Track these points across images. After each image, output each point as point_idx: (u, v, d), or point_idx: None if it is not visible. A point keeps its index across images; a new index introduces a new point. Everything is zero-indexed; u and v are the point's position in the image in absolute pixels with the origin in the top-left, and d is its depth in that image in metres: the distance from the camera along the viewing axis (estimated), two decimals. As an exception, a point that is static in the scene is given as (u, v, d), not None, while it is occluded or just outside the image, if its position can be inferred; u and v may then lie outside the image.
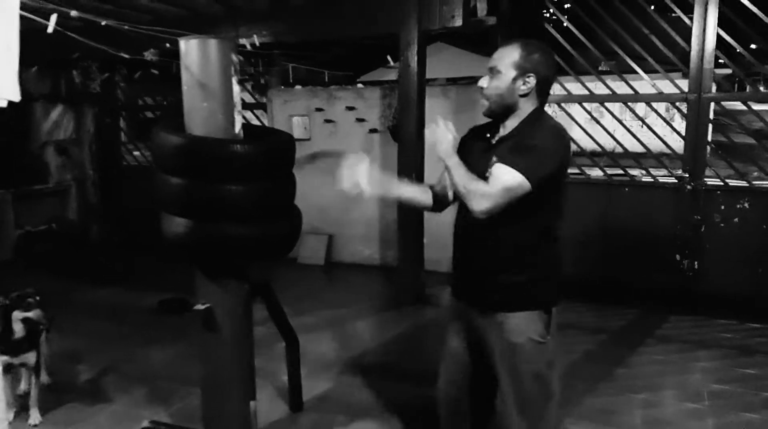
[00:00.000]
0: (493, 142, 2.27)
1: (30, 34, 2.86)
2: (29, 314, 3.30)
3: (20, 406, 3.58)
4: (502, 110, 2.22)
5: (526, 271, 2.25)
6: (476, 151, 2.28)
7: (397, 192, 2.59)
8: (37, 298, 3.35)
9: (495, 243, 2.22)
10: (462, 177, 2.09)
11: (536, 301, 2.28)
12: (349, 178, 2.40)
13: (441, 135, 2.17)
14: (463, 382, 2.52)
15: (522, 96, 2.18)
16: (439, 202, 2.53)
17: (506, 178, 2.03)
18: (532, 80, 2.16)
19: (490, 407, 2.57)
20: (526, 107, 2.21)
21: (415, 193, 2.59)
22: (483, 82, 2.22)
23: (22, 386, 3.73)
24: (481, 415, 2.60)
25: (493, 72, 2.19)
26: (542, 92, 2.22)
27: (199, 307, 2.87)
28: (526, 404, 2.31)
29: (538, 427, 2.33)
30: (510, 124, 2.24)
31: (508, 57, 2.17)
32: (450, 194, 2.46)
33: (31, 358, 3.41)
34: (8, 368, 3.36)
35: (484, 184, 2.07)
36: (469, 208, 2.08)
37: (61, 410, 3.65)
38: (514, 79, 2.16)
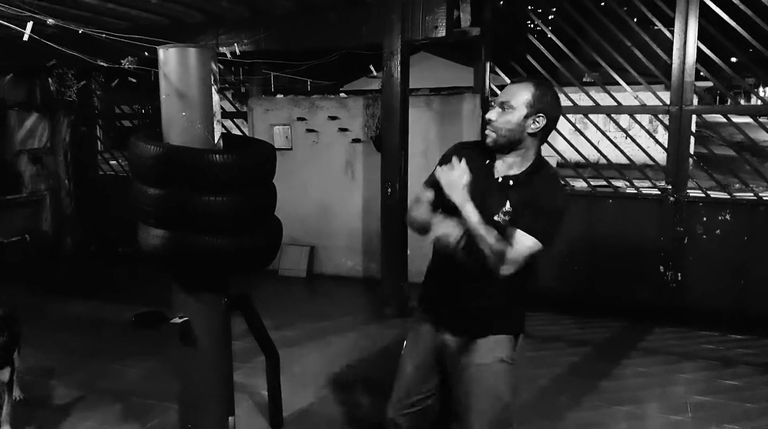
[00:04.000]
0: (498, 177, 2.27)
1: (5, 41, 2.79)
2: None
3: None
4: (507, 144, 2.25)
5: (506, 300, 2.32)
6: (476, 179, 2.20)
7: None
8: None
9: (481, 273, 2.19)
10: (484, 233, 2.10)
11: (511, 327, 2.37)
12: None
13: (456, 178, 2.16)
14: (413, 408, 2.49)
15: (530, 135, 2.23)
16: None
17: (528, 244, 2.13)
18: (541, 120, 2.21)
19: None
20: (531, 146, 2.26)
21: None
22: (492, 115, 2.25)
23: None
24: None
25: (505, 107, 2.22)
26: (546, 134, 2.28)
27: (176, 320, 2.81)
28: (487, 427, 2.32)
29: None
30: (512, 161, 2.27)
31: (523, 95, 2.20)
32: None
33: (4, 374, 3.33)
34: None
35: (509, 249, 2.11)
36: (490, 266, 2.11)
37: (33, 427, 3.54)
38: (526, 117, 2.20)
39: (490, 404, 2.31)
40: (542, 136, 2.26)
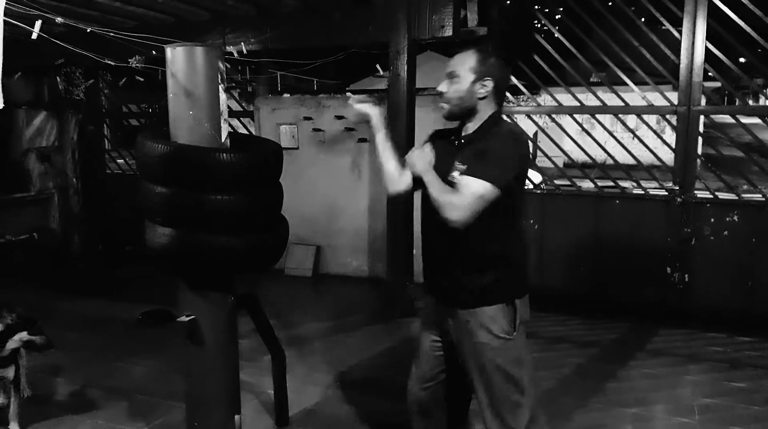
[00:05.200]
0: (457, 143, 2.38)
1: (13, 40, 2.80)
2: (35, 339, 3.28)
3: (-2, 421, 3.48)
4: (462, 113, 2.33)
5: (488, 271, 2.30)
6: (441, 153, 2.37)
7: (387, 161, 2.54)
8: (39, 322, 3.33)
9: (458, 244, 2.27)
10: (437, 189, 2.20)
11: (500, 296, 2.31)
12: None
13: (419, 154, 2.34)
14: (433, 381, 2.56)
15: (480, 99, 2.29)
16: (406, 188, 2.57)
17: (475, 187, 2.14)
18: (489, 84, 2.28)
19: (465, 406, 2.65)
20: (485, 110, 2.31)
21: (396, 170, 2.55)
22: (443, 87, 2.32)
23: (0, 400, 3.63)
24: (457, 414, 2.64)
25: (452, 77, 2.30)
26: (499, 95, 2.34)
27: (183, 319, 2.81)
28: (497, 402, 2.34)
29: (510, 425, 2.34)
30: (471, 127, 2.35)
31: (466, 62, 2.28)
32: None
33: (10, 372, 3.34)
34: None
35: (457, 195, 2.15)
36: (443, 216, 2.16)
37: (40, 424, 3.55)
38: (473, 83, 2.27)
39: (494, 380, 2.32)
40: (496, 99, 2.32)
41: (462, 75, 2.27)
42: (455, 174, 2.22)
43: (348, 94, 7.19)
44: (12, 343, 3.23)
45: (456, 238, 2.23)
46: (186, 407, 3.05)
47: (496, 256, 2.30)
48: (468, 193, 2.13)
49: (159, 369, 4.36)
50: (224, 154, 2.61)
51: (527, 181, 2.31)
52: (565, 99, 6.02)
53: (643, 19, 5.67)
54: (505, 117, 5.99)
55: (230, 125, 2.90)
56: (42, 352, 3.38)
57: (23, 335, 3.24)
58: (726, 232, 5.28)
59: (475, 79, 2.26)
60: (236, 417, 3.04)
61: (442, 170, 2.26)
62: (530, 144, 2.37)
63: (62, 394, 4.01)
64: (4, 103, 2.45)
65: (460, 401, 2.64)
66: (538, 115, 6.38)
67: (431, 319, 2.55)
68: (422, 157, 2.32)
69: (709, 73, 5.34)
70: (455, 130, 2.43)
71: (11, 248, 7.40)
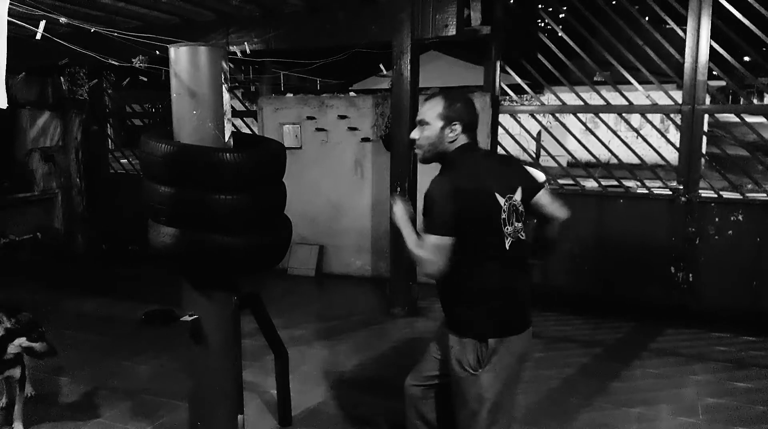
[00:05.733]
0: None
1: (18, 41, 2.80)
2: (34, 345, 3.26)
3: (3, 420, 3.49)
4: (434, 157, 2.42)
5: (459, 305, 2.38)
6: None
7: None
8: (42, 328, 3.32)
9: (445, 279, 2.33)
10: (411, 244, 2.34)
11: (468, 329, 2.34)
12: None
13: (397, 209, 2.51)
14: (426, 382, 2.64)
15: (450, 143, 2.38)
16: None
17: (430, 241, 2.24)
18: (457, 127, 2.36)
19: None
20: (455, 154, 2.39)
21: None
22: (415, 134, 2.42)
23: (3, 399, 3.64)
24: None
25: (422, 124, 2.40)
26: (469, 130, 2.41)
27: (186, 318, 2.81)
28: (459, 425, 2.42)
29: None
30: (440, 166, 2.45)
31: (434, 109, 2.37)
32: None
33: (17, 372, 3.35)
34: None
35: (423, 250, 2.26)
36: (421, 267, 2.29)
37: (44, 423, 3.56)
38: (442, 129, 2.36)
39: (458, 408, 2.40)
40: (467, 134, 2.39)
41: (431, 122, 2.36)
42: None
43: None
44: (12, 348, 3.21)
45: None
46: (189, 406, 3.05)
47: (467, 291, 2.34)
48: (428, 247, 2.24)
49: (163, 368, 4.36)
50: (228, 154, 2.61)
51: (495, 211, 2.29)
52: (569, 98, 6.01)
53: (647, 18, 5.66)
54: (509, 117, 6.02)
55: (233, 125, 2.89)
56: (43, 359, 3.38)
57: (22, 341, 3.22)
58: (730, 232, 5.27)
59: (443, 125, 2.35)
60: (239, 416, 3.04)
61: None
62: (478, 179, 2.35)
63: (66, 393, 4.01)
64: (8, 103, 2.45)
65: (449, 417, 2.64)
66: (541, 115, 6.37)
67: (438, 331, 2.62)
68: (399, 211, 2.48)
69: (714, 72, 5.33)
70: None
71: (15, 248, 7.43)
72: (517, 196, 2.35)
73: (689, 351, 4.79)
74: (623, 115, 5.82)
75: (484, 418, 2.32)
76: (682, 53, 5.28)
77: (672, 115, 5.66)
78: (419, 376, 2.68)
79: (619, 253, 5.61)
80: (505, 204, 2.30)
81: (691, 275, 5.37)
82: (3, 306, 3.28)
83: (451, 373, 2.39)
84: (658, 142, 5.57)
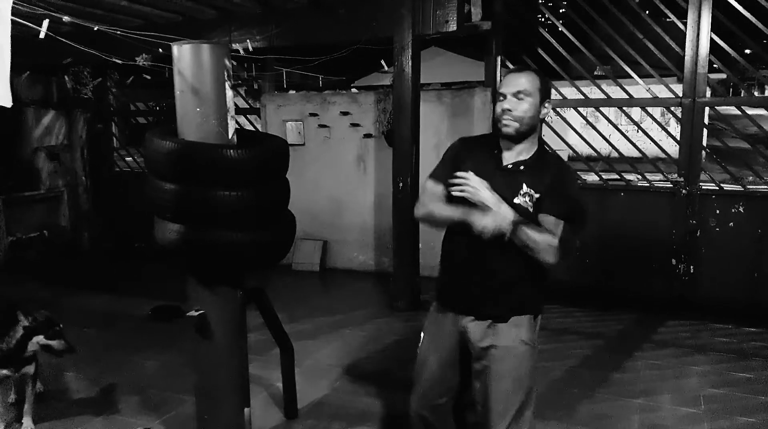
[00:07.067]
0: (507, 164, 2.32)
1: (22, 40, 2.83)
2: (52, 343, 3.29)
3: (13, 416, 3.52)
4: (526, 132, 2.29)
5: (530, 283, 2.37)
6: (488, 168, 2.31)
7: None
8: (60, 326, 3.34)
9: (505, 262, 2.29)
10: (533, 234, 2.17)
11: (531, 308, 2.39)
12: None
13: (478, 186, 2.22)
14: (439, 397, 2.52)
15: (541, 120, 2.32)
16: None
17: (560, 229, 2.22)
18: (549, 106, 2.32)
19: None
20: (538, 131, 2.34)
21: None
22: (511, 104, 2.25)
23: (13, 395, 3.68)
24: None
25: (521, 96, 2.24)
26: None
27: (193, 313, 2.84)
28: (508, 410, 2.33)
29: None
30: (524, 149, 2.32)
31: (534, 82, 2.26)
32: None
33: (31, 369, 3.38)
34: (3, 380, 3.33)
35: (547, 235, 2.18)
36: (538, 255, 2.20)
37: (53, 419, 3.59)
38: (540, 103, 2.27)
39: (513, 387, 2.33)
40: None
41: (532, 94, 2.24)
42: (523, 200, 2.22)
43: None
44: (31, 346, 3.25)
45: (500, 258, 2.28)
46: (196, 400, 3.08)
47: (531, 270, 2.33)
48: (557, 234, 2.20)
49: (170, 363, 4.41)
50: (232, 151, 2.63)
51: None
52: (570, 92, 6.02)
53: (647, 12, 5.67)
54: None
55: (237, 122, 2.92)
56: (62, 357, 3.40)
57: (40, 339, 3.25)
58: (731, 224, 5.28)
59: (541, 100, 2.27)
60: (246, 410, 3.06)
61: (498, 192, 2.20)
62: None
63: (74, 389, 4.05)
64: (13, 102, 2.48)
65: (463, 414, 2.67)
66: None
67: (447, 335, 2.48)
68: (481, 189, 2.21)
69: (714, 65, 5.33)
70: (491, 143, 2.38)
71: (22, 246, 7.48)
72: None
73: (690, 342, 4.82)
74: (624, 108, 5.83)
75: (533, 389, 2.40)
76: (682, 46, 5.29)
77: (673, 108, 5.68)
78: (433, 396, 2.52)
79: (621, 245, 5.63)
80: None
81: (692, 267, 5.39)
82: (20, 304, 3.31)
83: (501, 358, 2.32)
84: (659, 136, 5.58)
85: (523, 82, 2.25)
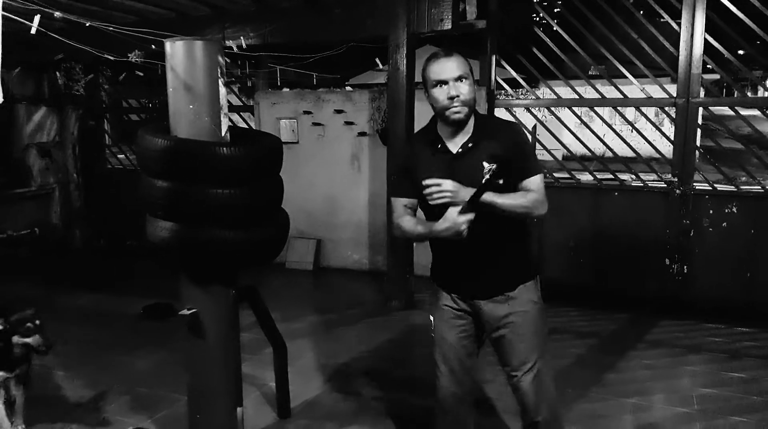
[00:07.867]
0: (458, 150, 2.36)
1: (12, 35, 2.80)
2: (28, 340, 3.23)
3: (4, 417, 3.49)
4: (471, 114, 2.36)
5: (525, 253, 2.56)
6: (443, 163, 2.35)
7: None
8: (37, 322, 3.24)
9: (500, 240, 2.41)
10: (516, 200, 2.30)
11: (532, 272, 2.55)
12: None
13: (451, 188, 2.21)
14: (463, 375, 2.60)
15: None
16: None
17: (541, 183, 2.36)
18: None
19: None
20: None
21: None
22: (461, 89, 2.27)
23: (2, 395, 3.64)
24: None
25: (465, 78, 2.29)
26: None
27: (185, 312, 2.82)
28: (535, 368, 2.49)
29: (549, 387, 2.56)
30: (466, 127, 2.37)
31: (465, 62, 2.32)
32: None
33: (24, 368, 3.34)
34: (4, 383, 3.30)
35: (533, 194, 2.32)
36: (533, 215, 2.36)
37: (44, 419, 3.56)
38: (474, 83, 2.35)
39: (532, 341, 2.49)
40: None
41: (469, 77, 2.30)
42: (490, 173, 2.17)
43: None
44: (16, 348, 3.20)
45: (495, 237, 2.39)
46: (188, 400, 3.07)
47: (530, 236, 2.65)
48: (540, 189, 2.34)
49: (161, 362, 4.38)
50: (224, 148, 2.62)
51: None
52: (564, 92, 6.02)
53: (642, 12, 5.67)
54: (504, 111, 6.04)
55: (230, 120, 2.90)
56: (41, 354, 3.35)
57: (16, 339, 3.17)
58: (725, 224, 5.29)
59: (473, 80, 2.33)
60: (238, 409, 3.06)
61: (464, 179, 2.22)
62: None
63: (64, 388, 4.02)
64: (4, 98, 2.46)
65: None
66: (537, 108, 6.41)
67: (458, 314, 2.55)
68: (456, 191, 2.21)
69: (708, 65, 5.34)
70: (431, 137, 2.41)
71: (13, 243, 7.42)
72: None
73: (684, 342, 4.82)
74: (618, 108, 5.83)
75: (547, 337, 2.63)
76: (676, 47, 5.29)
77: (667, 109, 5.68)
78: (461, 372, 2.58)
79: (614, 245, 5.64)
80: None
81: (685, 267, 5.40)
82: None
83: (520, 323, 2.45)
84: (653, 135, 5.59)
85: (459, 64, 2.29)
